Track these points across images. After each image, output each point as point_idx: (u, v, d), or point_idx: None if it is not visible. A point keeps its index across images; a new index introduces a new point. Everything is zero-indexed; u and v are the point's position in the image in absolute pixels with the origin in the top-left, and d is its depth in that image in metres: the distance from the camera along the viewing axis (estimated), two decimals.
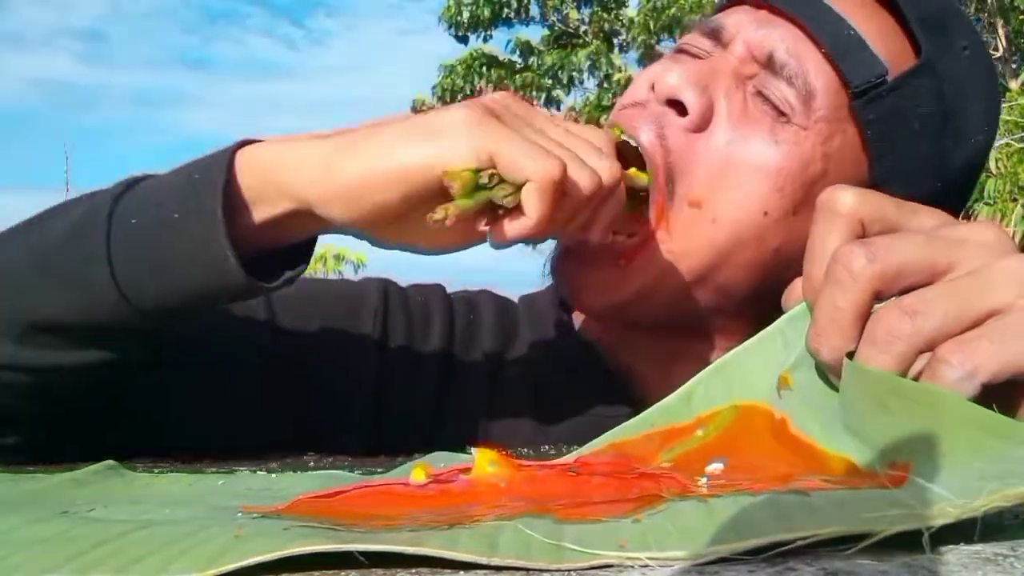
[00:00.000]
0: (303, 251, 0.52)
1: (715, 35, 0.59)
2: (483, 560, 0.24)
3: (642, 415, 0.43)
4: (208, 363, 0.60)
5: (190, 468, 0.50)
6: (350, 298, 0.66)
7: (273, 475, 0.44)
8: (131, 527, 0.29)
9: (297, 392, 0.62)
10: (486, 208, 0.46)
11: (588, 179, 0.46)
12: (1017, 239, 5.24)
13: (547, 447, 0.57)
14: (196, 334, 0.59)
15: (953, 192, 0.61)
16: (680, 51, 0.61)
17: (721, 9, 0.63)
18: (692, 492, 0.32)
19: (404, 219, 0.46)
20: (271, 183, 0.47)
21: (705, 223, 0.55)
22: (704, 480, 0.34)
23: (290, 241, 0.50)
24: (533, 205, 0.45)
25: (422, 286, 0.70)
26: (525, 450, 0.56)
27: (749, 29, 0.58)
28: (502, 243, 0.48)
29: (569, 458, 0.42)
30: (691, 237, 0.55)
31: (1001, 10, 6.93)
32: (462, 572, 0.24)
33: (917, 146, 0.57)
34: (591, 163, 0.47)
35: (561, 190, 0.45)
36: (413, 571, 0.25)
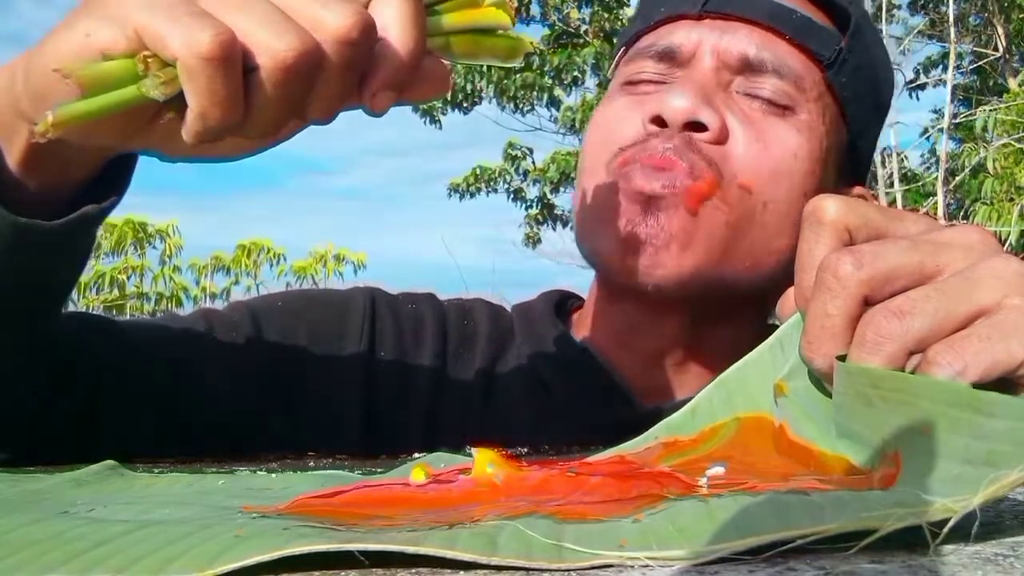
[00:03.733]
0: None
1: (669, 57, 0.60)
2: (483, 560, 0.24)
3: (647, 432, 0.44)
4: (189, 375, 0.60)
5: (190, 468, 0.50)
6: (337, 306, 0.66)
7: (273, 475, 0.44)
8: (131, 527, 0.29)
9: (286, 403, 0.62)
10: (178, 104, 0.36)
11: (284, 43, 0.35)
12: (1015, 238, 5.24)
13: (547, 447, 0.57)
14: (176, 348, 0.60)
15: (883, 119, 0.67)
16: (633, 82, 0.61)
17: (643, 32, 0.62)
18: (692, 492, 0.32)
19: (125, 121, 0.39)
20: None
21: (757, 206, 0.57)
22: (704, 480, 0.34)
23: (81, 175, 0.45)
24: (189, 93, 0.35)
25: (413, 294, 0.70)
26: (525, 450, 0.56)
27: (710, 39, 0.59)
28: (189, 155, 0.41)
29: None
30: (744, 214, 0.57)
31: (1002, 9, 6.93)
32: (462, 572, 0.24)
33: (868, 97, 0.62)
34: (310, 14, 0.36)
35: (228, 66, 0.35)
36: (413, 571, 0.25)
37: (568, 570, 0.24)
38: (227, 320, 0.64)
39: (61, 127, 0.35)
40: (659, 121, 0.58)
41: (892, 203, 6.62)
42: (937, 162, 6.74)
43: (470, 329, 0.67)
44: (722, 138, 0.57)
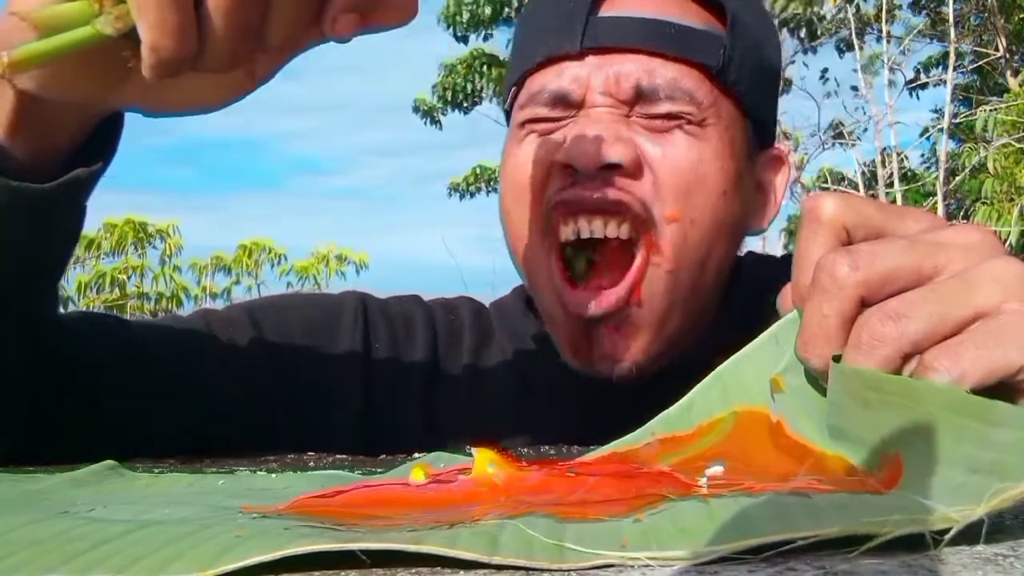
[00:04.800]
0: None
1: (563, 100, 0.60)
2: (484, 559, 0.24)
3: (643, 427, 0.43)
4: (189, 373, 0.62)
5: (190, 468, 0.50)
6: (330, 309, 0.68)
7: (273, 475, 0.44)
8: (131, 527, 0.29)
9: (286, 399, 0.63)
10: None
11: None
12: (1015, 239, 5.24)
13: (547, 447, 0.57)
14: (177, 346, 0.61)
15: (777, 82, 0.68)
16: (535, 120, 0.61)
17: (529, 72, 0.62)
18: (692, 492, 0.32)
19: (100, 74, 0.40)
20: None
21: (685, 228, 0.58)
22: (704, 480, 0.34)
23: (67, 140, 0.46)
24: (141, 27, 0.36)
25: (400, 296, 0.73)
26: (525, 450, 0.56)
27: (598, 78, 0.59)
28: (171, 109, 0.42)
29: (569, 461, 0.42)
30: (682, 247, 0.58)
31: (1002, 9, 6.93)
32: (462, 572, 0.24)
33: (758, 75, 0.63)
34: None
35: None
36: (413, 571, 0.25)
37: (569, 570, 0.24)
38: (225, 319, 0.65)
39: (18, 67, 0.36)
40: (571, 169, 0.58)
41: (892, 203, 6.62)
42: (937, 162, 6.74)
43: (457, 325, 0.70)
44: (637, 171, 0.58)
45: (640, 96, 0.59)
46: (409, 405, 0.66)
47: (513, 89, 0.65)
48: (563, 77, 0.60)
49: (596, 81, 0.59)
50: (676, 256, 0.58)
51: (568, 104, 0.60)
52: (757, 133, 0.64)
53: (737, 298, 0.65)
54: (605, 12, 0.60)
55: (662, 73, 0.59)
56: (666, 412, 0.43)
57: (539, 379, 0.66)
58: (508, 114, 0.67)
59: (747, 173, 0.63)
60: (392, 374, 0.66)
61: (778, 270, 0.66)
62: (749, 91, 0.62)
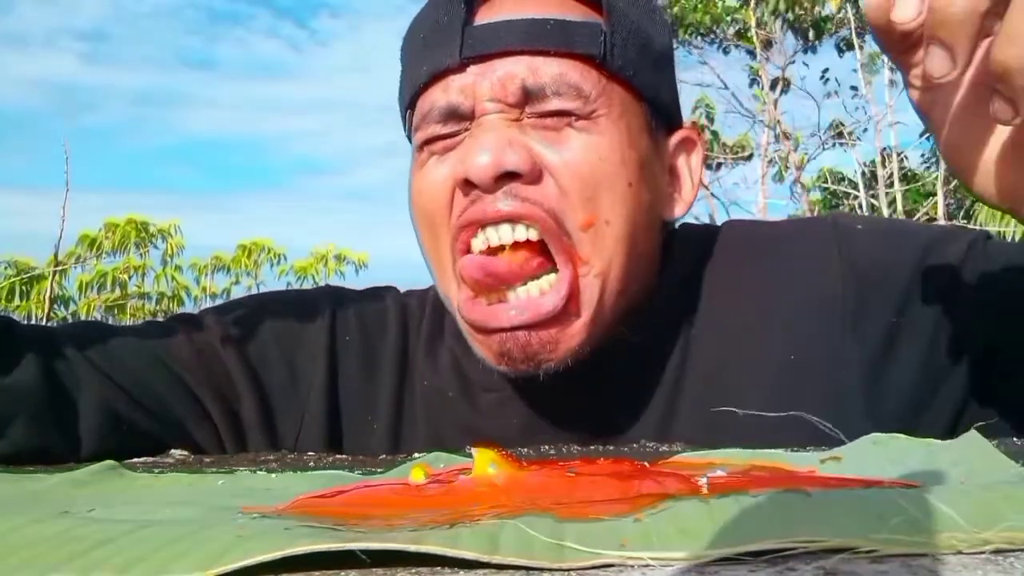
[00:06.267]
0: None
1: (453, 114, 0.60)
2: (485, 558, 0.24)
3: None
4: (150, 372, 0.63)
5: (190, 468, 0.50)
6: (300, 305, 0.69)
7: (273, 475, 0.44)
8: (132, 527, 0.29)
9: (248, 398, 0.65)
10: None
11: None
12: (1017, 238, 5.23)
13: (547, 447, 0.57)
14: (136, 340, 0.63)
15: (670, 62, 0.67)
16: (432, 140, 0.61)
17: (417, 94, 0.62)
18: (693, 491, 0.32)
19: None
20: None
21: (602, 231, 0.58)
22: (704, 480, 0.34)
23: None
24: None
25: (375, 288, 0.74)
26: (525, 450, 0.56)
27: (483, 86, 0.58)
28: None
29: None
30: (604, 249, 0.58)
31: None
32: (462, 572, 0.24)
33: (646, 58, 0.62)
34: None
35: None
36: (413, 571, 0.25)
37: (569, 570, 0.24)
38: (194, 321, 0.67)
39: None
40: (470, 183, 0.57)
41: (892, 203, 6.62)
42: (937, 162, 6.74)
43: (431, 319, 0.70)
44: (537, 176, 0.58)
45: (526, 96, 0.58)
46: (380, 400, 0.67)
47: (408, 112, 0.64)
48: (449, 91, 0.59)
49: (482, 89, 0.58)
50: (600, 259, 0.58)
51: (460, 117, 0.59)
52: (659, 115, 0.64)
53: (668, 278, 0.64)
54: (481, 20, 0.60)
55: (546, 70, 0.58)
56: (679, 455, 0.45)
57: (480, 380, 0.66)
58: (411, 139, 0.65)
59: (654, 158, 0.62)
60: (361, 370, 0.67)
61: (705, 244, 0.66)
62: (639, 74, 0.61)
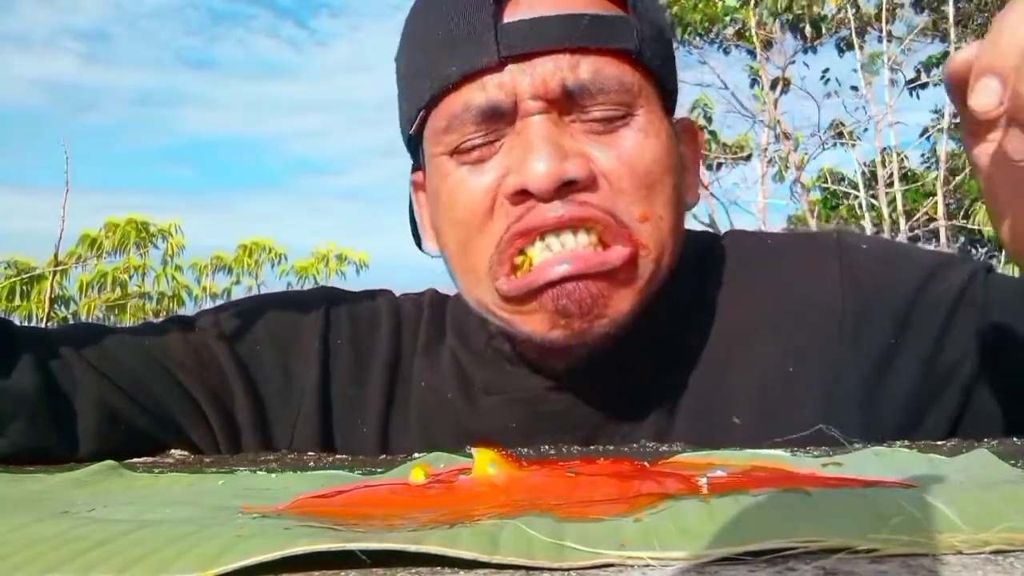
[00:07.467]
0: None
1: (494, 113, 0.57)
2: (485, 558, 0.24)
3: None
4: (149, 373, 0.63)
5: (190, 468, 0.50)
6: (295, 307, 0.69)
7: (273, 475, 0.44)
8: (132, 527, 0.29)
9: (242, 399, 0.65)
10: None
11: None
12: None
13: (547, 447, 0.57)
14: (135, 341, 0.64)
15: (673, 50, 0.67)
16: (464, 150, 0.59)
17: (442, 94, 0.59)
18: (693, 491, 0.32)
19: None
20: None
21: (658, 224, 0.59)
22: (704, 480, 0.34)
23: None
24: None
25: (370, 291, 0.73)
26: (525, 450, 0.56)
27: (524, 83, 0.57)
28: None
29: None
30: (660, 239, 0.59)
31: (1001, 8, 6.92)
32: (462, 572, 0.24)
33: (662, 47, 0.62)
34: None
35: None
36: (413, 571, 0.25)
37: (569, 569, 0.24)
38: (190, 322, 0.67)
39: None
40: (524, 194, 0.56)
41: (892, 203, 6.62)
42: (937, 162, 6.74)
43: (426, 320, 0.70)
44: (592, 183, 0.57)
45: (570, 96, 0.57)
46: (369, 400, 0.67)
47: (421, 114, 0.61)
48: (487, 89, 0.57)
49: (523, 87, 0.56)
50: (657, 247, 0.59)
51: (499, 117, 0.57)
52: (669, 103, 0.64)
53: (681, 280, 0.64)
54: (511, 17, 0.57)
55: (585, 67, 0.57)
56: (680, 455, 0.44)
57: (482, 382, 0.66)
58: (411, 143, 0.64)
59: (676, 147, 0.62)
60: (352, 371, 0.67)
61: (708, 250, 0.66)
62: (660, 66, 0.61)
